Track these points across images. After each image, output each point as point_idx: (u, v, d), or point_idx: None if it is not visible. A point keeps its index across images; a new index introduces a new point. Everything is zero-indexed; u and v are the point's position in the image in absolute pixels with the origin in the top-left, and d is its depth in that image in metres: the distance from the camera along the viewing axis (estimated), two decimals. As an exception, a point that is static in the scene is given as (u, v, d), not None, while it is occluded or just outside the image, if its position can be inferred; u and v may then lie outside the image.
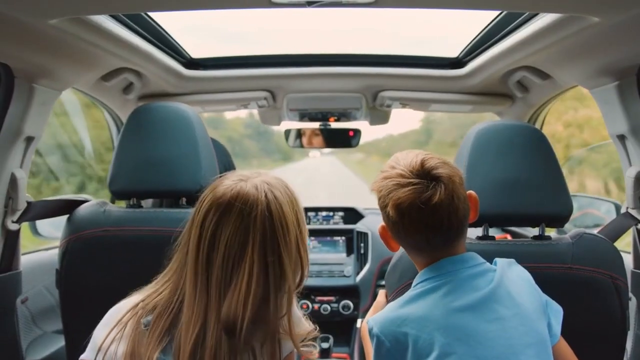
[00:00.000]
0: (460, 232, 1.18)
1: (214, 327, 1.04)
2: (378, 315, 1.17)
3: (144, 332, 1.07)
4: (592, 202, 3.23)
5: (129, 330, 1.08)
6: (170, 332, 1.07)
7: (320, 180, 25.17)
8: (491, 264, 1.22)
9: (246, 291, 1.04)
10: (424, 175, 1.13)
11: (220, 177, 1.15)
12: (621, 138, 1.76)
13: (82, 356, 1.13)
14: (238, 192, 1.07)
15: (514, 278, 1.19)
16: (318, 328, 1.25)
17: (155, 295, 1.12)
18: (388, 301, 1.41)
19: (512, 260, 1.25)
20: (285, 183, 1.15)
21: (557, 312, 1.23)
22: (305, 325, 1.22)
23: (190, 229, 1.10)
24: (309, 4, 1.33)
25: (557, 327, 1.22)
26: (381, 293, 1.46)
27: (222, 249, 1.05)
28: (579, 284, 1.37)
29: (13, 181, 1.72)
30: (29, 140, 1.76)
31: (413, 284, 1.21)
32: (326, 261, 3.15)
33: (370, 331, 1.15)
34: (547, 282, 1.27)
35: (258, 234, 1.06)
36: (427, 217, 1.12)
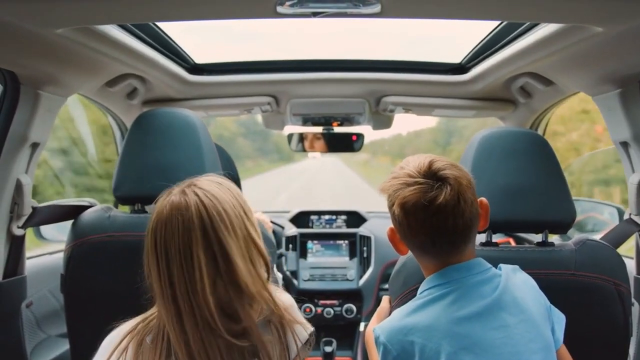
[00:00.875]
0: (466, 237, 1.18)
1: (194, 334, 1.06)
2: (384, 324, 1.17)
3: (149, 349, 1.09)
4: (595, 206, 3.22)
5: (130, 353, 1.09)
6: (172, 351, 1.09)
7: (321, 182, 24.01)
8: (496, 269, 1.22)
9: (202, 286, 1.06)
10: (431, 175, 1.14)
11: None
12: (624, 145, 1.77)
13: None
14: (171, 203, 1.09)
15: (519, 284, 1.20)
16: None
17: (150, 319, 1.14)
18: (392, 307, 1.42)
19: (517, 266, 1.25)
20: (216, 177, 1.18)
21: (560, 318, 1.23)
22: (284, 297, 1.25)
23: (146, 255, 1.12)
24: (315, 15, 1.33)
25: (560, 334, 1.22)
26: (385, 299, 1.47)
27: (176, 258, 1.07)
28: (582, 290, 1.37)
29: (18, 187, 1.72)
30: (35, 146, 1.77)
31: (419, 292, 1.21)
32: (329, 265, 3.16)
33: (376, 339, 1.16)
34: (551, 288, 1.27)
35: (198, 230, 1.07)
36: (431, 217, 1.12)
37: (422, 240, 1.17)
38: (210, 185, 1.13)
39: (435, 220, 1.13)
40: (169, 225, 1.07)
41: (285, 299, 1.25)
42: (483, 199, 1.23)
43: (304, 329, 1.24)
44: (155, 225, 1.10)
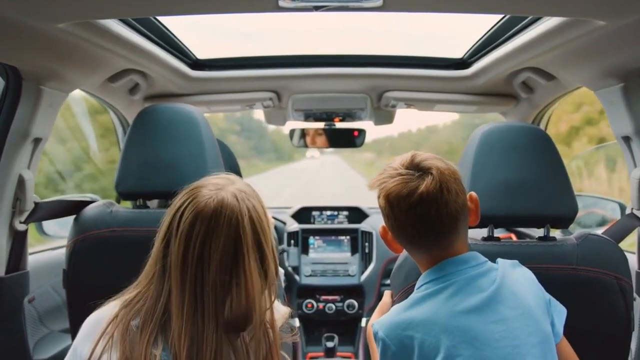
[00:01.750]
0: (453, 228, 1.17)
1: (213, 331, 1.07)
2: (383, 319, 1.18)
3: (135, 334, 1.09)
4: (597, 201, 3.22)
5: (117, 337, 1.09)
6: (162, 336, 1.09)
7: (320, 184, 22.08)
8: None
9: (252, 291, 1.09)
10: (413, 167, 1.16)
11: (191, 186, 1.17)
12: (626, 139, 1.76)
13: None
14: (222, 202, 1.10)
15: (517, 278, 1.19)
16: (291, 311, 1.31)
17: (138, 300, 1.14)
18: (394, 302, 1.42)
19: (516, 261, 1.25)
20: (253, 189, 1.19)
21: (560, 312, 1.23)
22: (281, 309, 1.27)
23: (169, 238, 1.12)
24: (317, 9, 1.33)
25: (560, 327, 1.22)
26: (387, 294, 1.47)
27: (216, 258, 1.07)
28: (584, 285, 1.37)
29: (21, 182, 1.73)
30: (37, 141, 1.78)
31: (416, 286, 1.21)
32: (331, 260, 3.17)
33: (375, 335, 1.16)
34: (552, 283, 1.27)
35: (249, 240, 1.09)
36: (415, 207, 1.13)
37: (409, 232, 1.18)
38: (254, 198, 1.15)
39: (419, 210, 1.13)
40: (215, 223, 1.08)
41: (281, 314, 1.26)
42: (472, 193, 1.24)
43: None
44: (195, 217, 1.09)
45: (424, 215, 1.14)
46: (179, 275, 1.09)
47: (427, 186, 1.13)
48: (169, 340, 1.08)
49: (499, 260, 1.23)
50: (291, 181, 23.43)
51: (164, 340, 1.09)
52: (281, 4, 1.30)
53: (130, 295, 1.16)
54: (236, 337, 1.11)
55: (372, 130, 2.96)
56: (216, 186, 1.14)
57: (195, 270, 1.08)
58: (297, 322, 3.02)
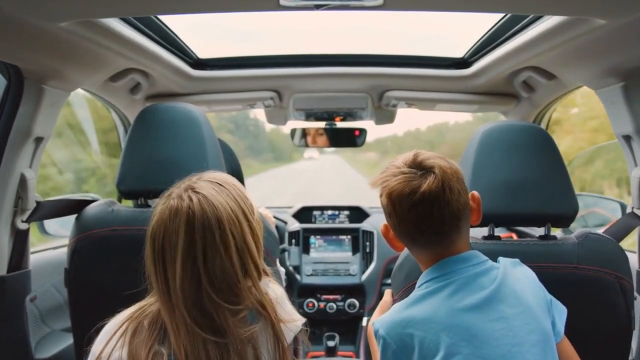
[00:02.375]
0: (455, 227, 1.18)
1: (185, 328, 1.11)
2: (384, 317, 1.18)
3: (145, 332, 1.13)
4: (598, 201, 3.22)
5: (129, 335, 1.13)
6: (163, 341, 1.13)
7: (320, 186, 20.90)
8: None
9: (185, 283, 1.12)
10: (416, 165, 1.17)
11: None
12: (627, 138, 1.76)
13: None
14: (170, 207, 1.14)
15: (518, 276, 1.19)
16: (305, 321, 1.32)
17: (147, 306, 1.18)
18: (394, 301, 1.42)
19: (517, 260, 1.25)
20: (219, 176, 1.22)
21: (561, 311, 1.23)
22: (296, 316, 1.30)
23: (146, 253, 1.17)
24: (317, 7, 1.33)
25: (561, 326, 1.22)
26: (387, 292, 1.47)
27: (170, 257, 1.12)
28: (585, 284, 1.37)
29: (23, 181, 1.73)
30: (39, 140, 1.78)
31: (417, 285, 1.22)
32: (332, 260, 3.17)
33: (376, 333, 1.16)
34: (553, 281, 1.27)
35: (187, 234, 1.12)
36: (417, 206, 1.13)
37: (411, 230, 1.18)
38: (208, 189, 1.16)
39: (420, 209, 1.14)
40: (166, 228, 1.13)
41: (276, 293, 1.26)
42: (475, 192, 1.24)
43: (294, 323, 1.27)
44: (155, 227, 1.15)
45: (426, 214, 1.14)
46: (153, 279, 1.14)
47: (430, 185, 1.13)
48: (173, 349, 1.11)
49: (500, 258, 1.23)
50: (288, 185, 22.52)
51: (166, 342, 1.12)
52: (282, 2, 1.30)
53: (146, 300, 1.20)
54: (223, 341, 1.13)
55: (375, 129, 2.96)
56: (169, 193, 1.19)
57: (163, 272, 1.13)
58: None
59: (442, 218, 1.15)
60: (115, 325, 1.16)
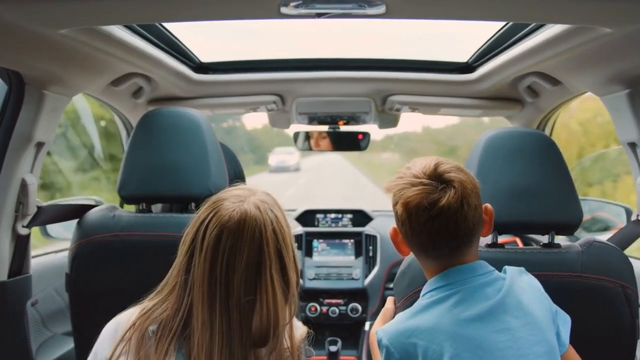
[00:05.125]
0: (468, 241, 1.17)
1: (238, 345, 1.08)
2: (387, 326, 1.17)
3: (152, 342, 1.10)
4: (603, 205, 3.21)
5: (134, 343, 1.11)
6: (179, 347, 1.10)
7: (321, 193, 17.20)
8: (500, 272, 1.21)
9: (274, 304, 1.09)
10: (436, 177, 1.14)
11: (213, 198, 1.17)
12: (632, 146, 1.75)
13: None
14: (245, 214, 1.10)
15: (524, 287, 1.19)
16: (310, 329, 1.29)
17: (156, 308, 1.14)
18: (396, 308, 1.41)
19: (522, 268, 1.24)
20: (274, 199, 1.20)
21: (565, 321, 1.22)
22: (301, 328, 1.26)
23: (192, 252, 1.12)
24: (319, 16, 1.33)
25: (566, 336, 1.21)
26: (390, 300, 1.46)
27: (240, 270, 1.08)
28: (589, 293, 1.36)
29: (23, 186, 1.73)
30: (40, 145, 1.78)
31: (422, 294, 1.21)
32: (335, 264, 3.16)
33: (379, 342, 1.15)
34: (557, 290, 1.26)
35: (272, 252, 1.10)
36: (433, 219, 1.12)
37: (423, 241, 1.17)
38: (276, 208, 1.16)
39: (437, 223, 1.12)
40: (239, 236, 1.08)
41: (299, 333, 1.25)
42: (488, 205, 1.23)
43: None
44: (220, 230, 1.09)
45: (442, 228, 1.13)
46: (205, 289, 1.09)
47: (449, 200, 1.11)
48: (190, 353, 1.09)
49: (507, 268, 1.22)
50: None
51: (183, 352, 1.09)
52: (283, 10, 1.30)
53: (150, 303, 1.16)
54: (257, 353, 1.11)
55: (381, 129, 2.95)
56: (238, 198, 1.14)
57: (222, 284, 1.08)
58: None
59: (457, 232, 1.14)
60: (118, 330, 1.14)
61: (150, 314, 1.14)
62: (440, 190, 1.12)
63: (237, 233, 1.08)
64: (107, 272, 1.60)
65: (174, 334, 1.10)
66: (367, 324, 3.05)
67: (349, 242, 3.23)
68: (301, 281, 3.10)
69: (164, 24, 1.98)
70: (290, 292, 1.14)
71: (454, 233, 1.14)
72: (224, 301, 1.08)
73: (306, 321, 3.04)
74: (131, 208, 1.79)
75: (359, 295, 3.08)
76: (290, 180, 20.61)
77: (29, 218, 1.76)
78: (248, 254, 1.08)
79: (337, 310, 3.04)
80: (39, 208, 1.79)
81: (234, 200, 1.13)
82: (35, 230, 1.96)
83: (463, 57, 2.39)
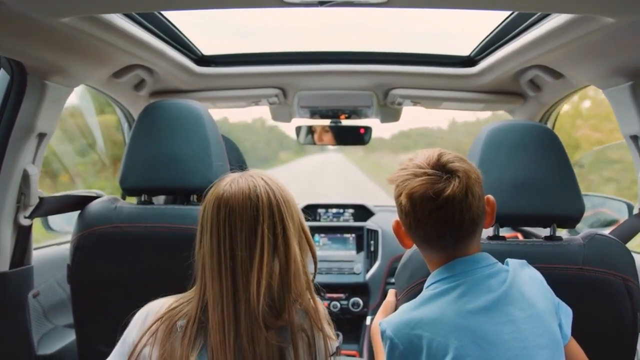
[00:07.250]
0: (472, 231, 1.16)
1: (244, 316, 1.10)
2: (391, 318, 1.16)
3: (177, 336, 1.12)
4: (605, 201, 3.20)
5: (160, 335, 1.12)
6: (202, 339, 1.12)
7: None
8: (502, 264, 1.21)
9: (260, 261, 1.12)
10: (440, 167, 1.13)
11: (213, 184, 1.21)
12: (634, 139, 1.75)
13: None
14: (238, 184, 1.15)
15: (526, 279, 1.18)
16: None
17: (186, 303, 1.17)
18: (398, 300, 1.41)
19: (524, 261, 1.24)
20: (272, 177, 1.23)
21: (567, 313, 1.22)
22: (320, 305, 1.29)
23: (203, 232, 1.16)
24: (321, 4, 1.32)
25: (568, 328, 1.21)
26: (391, 292, 1.46)
27: (241, 232, 1.12)
28: (590, 285, 1.36)
29: (25, 177, 1.73)
30: (41, 136, 1.78)
31: (426, 285, 1.20)
32: (336, 258, 3.16)
33: (382, 334, 1.15)
34: (558, 283, 1.26)
35: (266, 208, 1.14)
36: (438, 210, 1.11)
37: (428, 232, 1.16)
38: (272, 180, 1.19)
39: (442, 213, 1.12)
40: (235, 203, 1.13)
41: (321, 307, 1.26)
42: (490, 196, 1.22)
43: (332, 343, 1.26)
44: (218, 203, 1.14)
45: (447, 218, 1.12)
46: (215, 262, 1.12)
47: (454, 189, 1.10)
48: (209, 344, 1.10)
49: (509, 260, 1.21)
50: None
51: (204, 346, 1.11)
52: None
53: (181, 298, 1.19)
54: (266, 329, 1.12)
55: (384, 125, 2.95)
56: (233, 177, 1.19)
57: (226, 252, 1.12)
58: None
59: (462, 223, 1.13)
60: (148, 318, 1.16)
61: (180, 310, 1.16)
62: (445, 180, 1.11)
63: (231, 199, 1.13)
64: (109, 264, 1.60)
65: (197, 326, 1.12)
66: (368, 319, 3.05)
67: (351, 237, 3.24)
68: None
69: (166, 16, 1.98)
70: (291, 253, 1.16)
71: (459, 223, 1.13)
72: (230, 270, 1.11)
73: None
74: (133, 200, 1.79)
75: (360, 289, 3.08)
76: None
77: (30, 209, 1.76)
78: (242, 215, 1.12)
79: (338, 305, 3.04)
80: (41, 199, 1.79)
81: (228, 180, 1.18)
82: (38, 224, 1.96)
83: (465, 50, 2.38)
